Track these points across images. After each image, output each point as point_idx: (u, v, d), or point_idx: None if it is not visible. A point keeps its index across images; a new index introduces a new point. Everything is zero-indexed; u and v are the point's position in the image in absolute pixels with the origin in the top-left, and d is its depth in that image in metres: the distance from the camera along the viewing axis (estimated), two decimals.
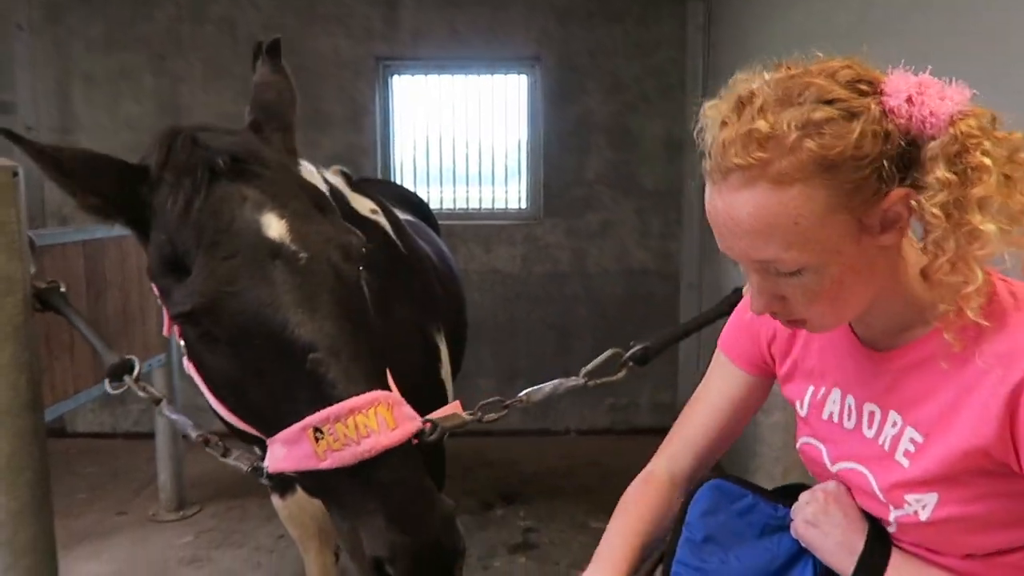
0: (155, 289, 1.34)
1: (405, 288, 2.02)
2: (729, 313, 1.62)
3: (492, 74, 5.17)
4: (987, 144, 0.85)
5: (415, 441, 1.24)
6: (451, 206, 5.27)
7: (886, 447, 1.02)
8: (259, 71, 1.55)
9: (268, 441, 1.23)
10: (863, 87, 0.90)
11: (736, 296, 1.62)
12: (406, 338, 1.32)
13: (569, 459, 4.86)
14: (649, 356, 1.66)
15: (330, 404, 1.13)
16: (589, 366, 1.63)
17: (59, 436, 5.14)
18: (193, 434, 1.51)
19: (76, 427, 5.25)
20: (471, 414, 1.57)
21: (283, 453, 1.18)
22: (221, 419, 1.42)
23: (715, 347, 1.37)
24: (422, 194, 5.20)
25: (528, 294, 5.21)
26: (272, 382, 1.18)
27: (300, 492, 1.99)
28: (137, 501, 4.16)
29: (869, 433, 1.05)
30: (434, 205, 5.23)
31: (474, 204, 5.30)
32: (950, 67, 0.93)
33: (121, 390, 1.67)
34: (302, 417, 1.14)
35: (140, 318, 3.66)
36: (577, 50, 5.01)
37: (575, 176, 5.12)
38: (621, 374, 1.64)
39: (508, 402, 1.59)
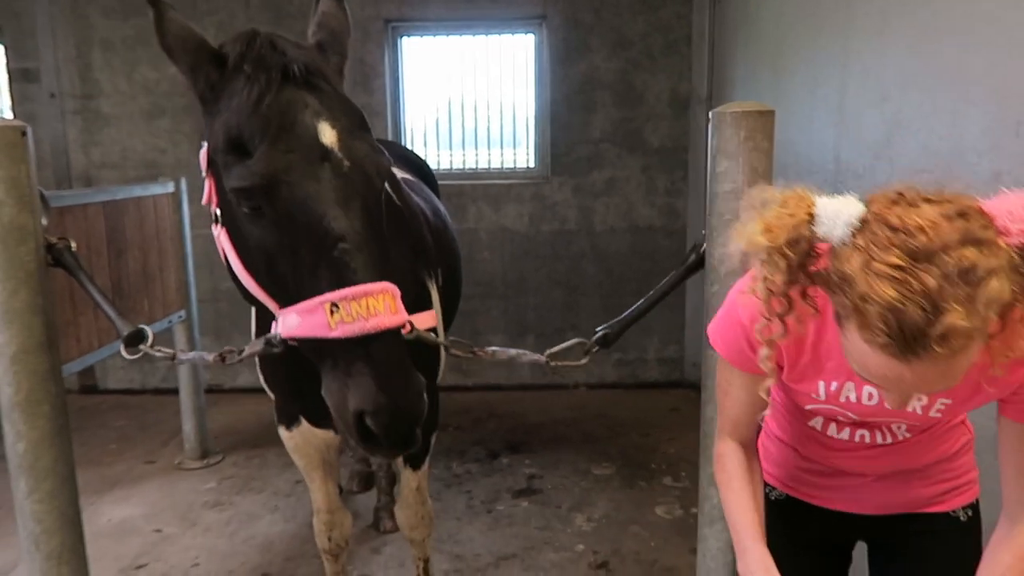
0: (203, 163, 1.55)
1: (398, 235, 2.14)
2: (689, 276, 1.71)
3: (499, 34, 5.22)
4: None
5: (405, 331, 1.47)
6: (460, 166, 5.36)
7: (918, 411, 1.25)
8: (323, 3, 1.75)
9: (281, 311, 1.45)
10: (993, 236, 0.97)
11: (695, 258, 1.67)
12: (399, 277, 1.48)
13: (576, 411, 5.01)
14: (610, 341, 1.77)
15: (350, 286, 1.34)
16: (554, 349, 1.74)
17: (91, 393, 5.44)
18: (210, 357, 1.67)
19: (107, 384, 5.52)
20: (443, 341, 1.76)
21: (297, 322, 1.39)
22: (236, 283, 1.61)
23: (705, 314, 1.48)
24: (432, 155, 5.30)
25: (536, 252, 5.32)
26: (302, 260, 1.40)
27: (305, 424, 2.17)
28: (164, 451, 4.40)
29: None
30: (444, 166, 5.33)
31: (483, 164, 5.39)
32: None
33: (137, 356, 1.81)
34: (321, 293, 1.35)
35: (159, 276, 3.84)
36: (582, 7, 5.03)
37: (581, 135, 5.17)
38: (585, 360, 1.75)
39: (475, 349, 1.74)
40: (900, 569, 1.49)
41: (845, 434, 1.38)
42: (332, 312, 1.34)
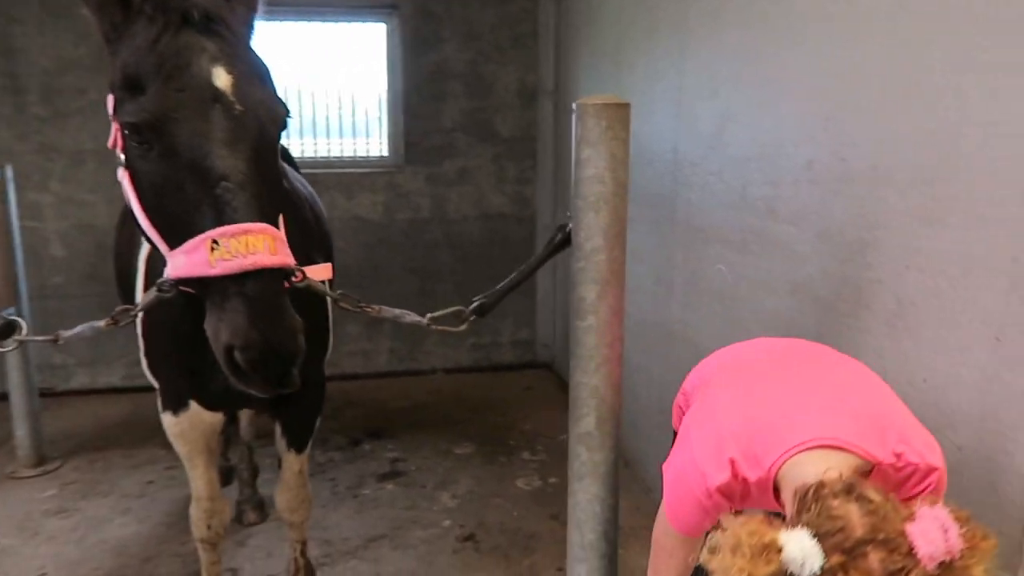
0: (110, 106, 1.55)
1: (289, 218, 2.11)
2: (556, 254, 1.84)
3: (350, 21, 5.18)
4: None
5: (287, 285, 1.50)
6: (313, 155, 5.28)
7: None
8: None
9: (170, 254, 1.48)
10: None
11: (560, 236, 1.80)
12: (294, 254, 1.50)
13: (435, 395, 5.12)
14: (486, 310, 1.86)
15: (230, 224, 1.38)
16: (435, 314, 1.81)
17: None
18: (101, 323, 1.58)
19: None
20: (332, 294, 1.74)
21: (183, 261, 1.43)
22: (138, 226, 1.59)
23: (562, 288, 1.62)
24: (283, 143, 5.18)
25: (390, 240, 5.36)
26: (188, 198, 1.43)
27: (193, 408, 2.15)
28: None
29: None
30: (296, 153, 5.23)
31: (336, 153, 5.34)
32: None
33: (12, 348, 1.66)
34: (204, 231, 1.39)
35: None
36: None
37: (434, 124, 5.26)
38: (463, 327, 1.84)
39: (362, 304, 1.75)
40: None
41: None
42: (212, 249, 1.37)
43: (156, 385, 2.25)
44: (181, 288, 1.48)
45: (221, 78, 1.47)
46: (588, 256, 1.67)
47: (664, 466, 1.61)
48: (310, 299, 2.15)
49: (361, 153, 5.38)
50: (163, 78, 1.43)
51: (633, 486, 3.68)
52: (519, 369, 5.64)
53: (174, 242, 1.48)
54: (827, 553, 1.13)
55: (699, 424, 1.58)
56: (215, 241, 1.37)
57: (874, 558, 1.12)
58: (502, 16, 5.22)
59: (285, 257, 1.46)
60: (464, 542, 3.26)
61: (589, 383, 1.73)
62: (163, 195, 1.47)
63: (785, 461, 1.36)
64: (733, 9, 2.62)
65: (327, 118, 5.29)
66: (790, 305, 2.32)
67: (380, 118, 5.34)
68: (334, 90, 5.26)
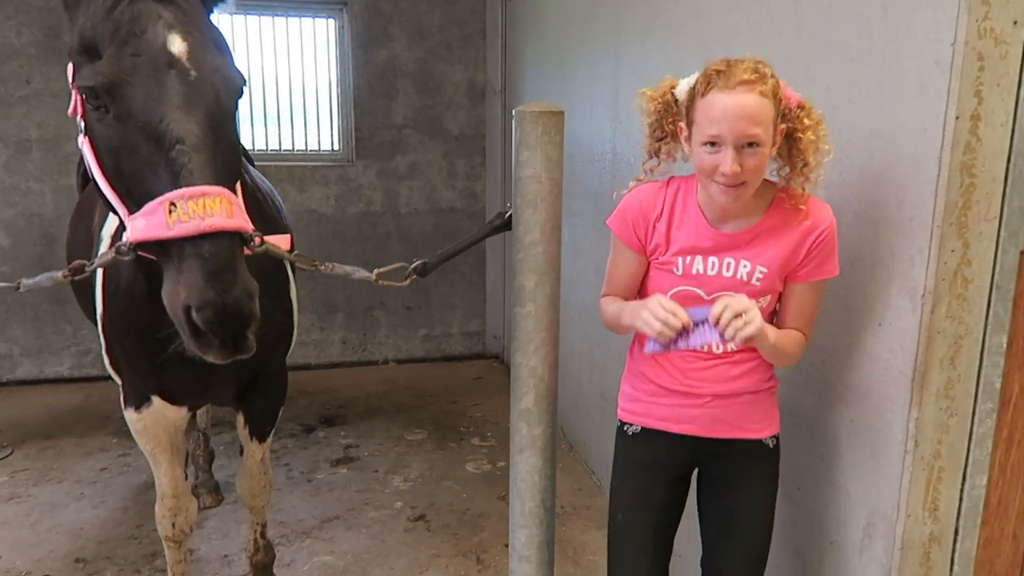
0: (71, 75, 1.58)
1: (256, 215, 2.15)
2: (494, 234, 2.01)
3: (300, 16, 5.26)
4: (807, 120, 1.63)
5: (247, 251, 1.53)
6: (264, 147, 5.34)
7: (744, 278, 1.69)
8: None
9: (130, 219, 1.51)
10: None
11: (500, 220, 1.98)
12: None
13: (387, 384, 5.25)
14: (428, 270, 1.96)
15: (187, 187, 1.41)
16: (382, 269, 1.85)
17: None
18: (59, 274, 1.56)
19: None
20: (289, 256, 1.75)
21: (142, 225, 1.45)
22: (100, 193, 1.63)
23: (512, 281, 1.84)
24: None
25: (343, 233, 5.46)
26: (146, 161, 1.46)
27: (157, 404, 2.17)
28: None
29: (727, 274, 1.70)
30: (247, 145, 5.29)
31: (287, 146, 5.41)
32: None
33: None
34: (162, 194, 1.42)
35: None
36: None
37: (385, 120, 5.38)
38: (406, 283, 1.90)
39: (316, 262, 1.77)
40: (726, 484, 1.87)
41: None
42: (170, 212, 1.39)
43: (118, 381, 2.25)
44: (140, 252, 1.48)
45: (176, 44, 1.50)
46: (527, 248, 1.84)
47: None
48: (274, 290, 2.22)
49: (312, 146, 5.47)
50: (118, 43, 1.46)
51: (576, 467, 3.89)
52: (470, 360, 5.81)
53: (133, 206, 1.51)
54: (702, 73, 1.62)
55: None
56: (173, 203, 1.39)
57: (737, 67, 1.55)
58: (451, 15, 5.36)
59: (242, 222, 1.48)
60: (415, 522, 3.42)
61: (528, 364, 1.90)
62: (121, 159, 1.50)
63: None
64: (660, 24, 2.83)
65: (278, 111, 5.35)
66: None
67: (331, 112, 5.43)
68: (285, 83, 5.32)
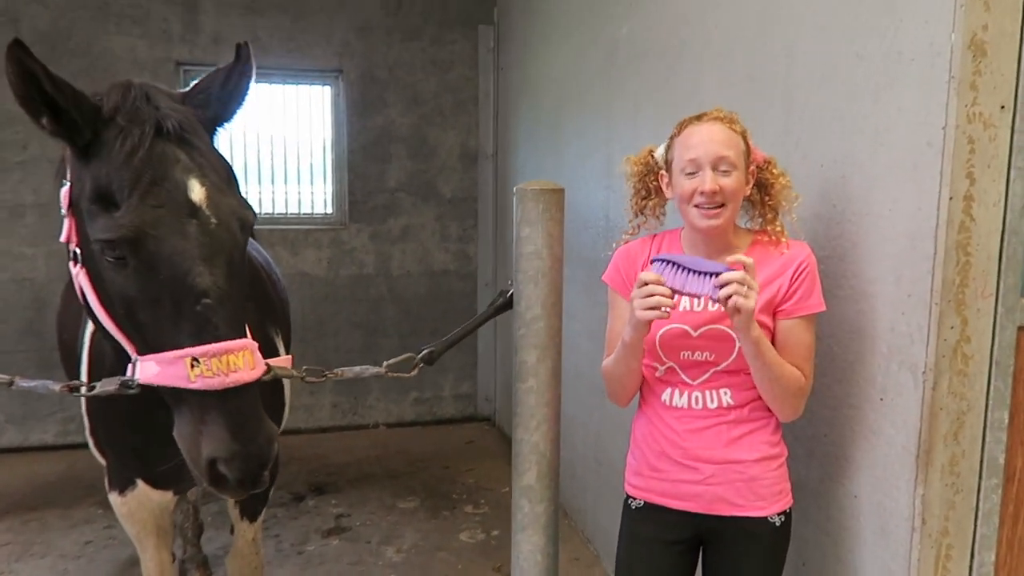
0: (64, 201, 1.53)
1: (249, 291, 2.17)
2: (498, 314, 2.02)
3: (296, 84, 5.35)
4: (775, 170, 1.82)
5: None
6: (257, 211, 5.35)
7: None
8: (236, 65, 1.71)
9: (140, 357, 1.48)
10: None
11: (502, 300, 1.98)
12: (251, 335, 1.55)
13: (378, 449, 5.18)
14: (434, 358, 1.97)
15: (211, 342, 1.40)
16: (390, 361, 1.88)
17: None
18: (56, 386, 1.58)
19: None
20: (297, 371, 1.78)
21: (157, 370, 1.43)
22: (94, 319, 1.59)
23: (502, 343, 1.83)
24: None
25: (335, 295, 5.46)
26: (165, 311, 1.43)
27: (141, 487, 2.12)
28: None
29: (713, 308, 1.73)
30: None
31: (280, 209, 5.45)
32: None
33: None
34: (181, 345, 1.40)
35: None
36: (378, 64, 5.33)
37: (378, 184, 5.44)
38: (414, 372, 1.92)
39: (326, 372, 1.80)
40: (726, 565, 1.84)
41: (684, 400, 1.78)
42: (192, 366, 1.37)
43: (103, 463, 2.21)
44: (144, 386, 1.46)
45: (196, 191, 1.48)
46: (528, 324, 1.85)
47: None
48: (271, 387, 2.22)
49: (306, 210, 5.50)
50: (140, 193, 1.43)
51: (573, 537, 3.82)
52: (461, 423, 5.75)
53: (144, 348, 1.48)
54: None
55: None
56: (195, 359, 1.38)
57: (709, 111, 1.78)
58: (444, 83, 5.47)
59: (261, 367, 1.49)
60: None
61: (530, 440, 1.89)
62: (136, 308, 1.46)
63: None
64: (651, 102, 2.90)
65: (272, 175, 5.40)
66: None
67: (325, 175, 5.49)
68: (280, 147, 5.38)
